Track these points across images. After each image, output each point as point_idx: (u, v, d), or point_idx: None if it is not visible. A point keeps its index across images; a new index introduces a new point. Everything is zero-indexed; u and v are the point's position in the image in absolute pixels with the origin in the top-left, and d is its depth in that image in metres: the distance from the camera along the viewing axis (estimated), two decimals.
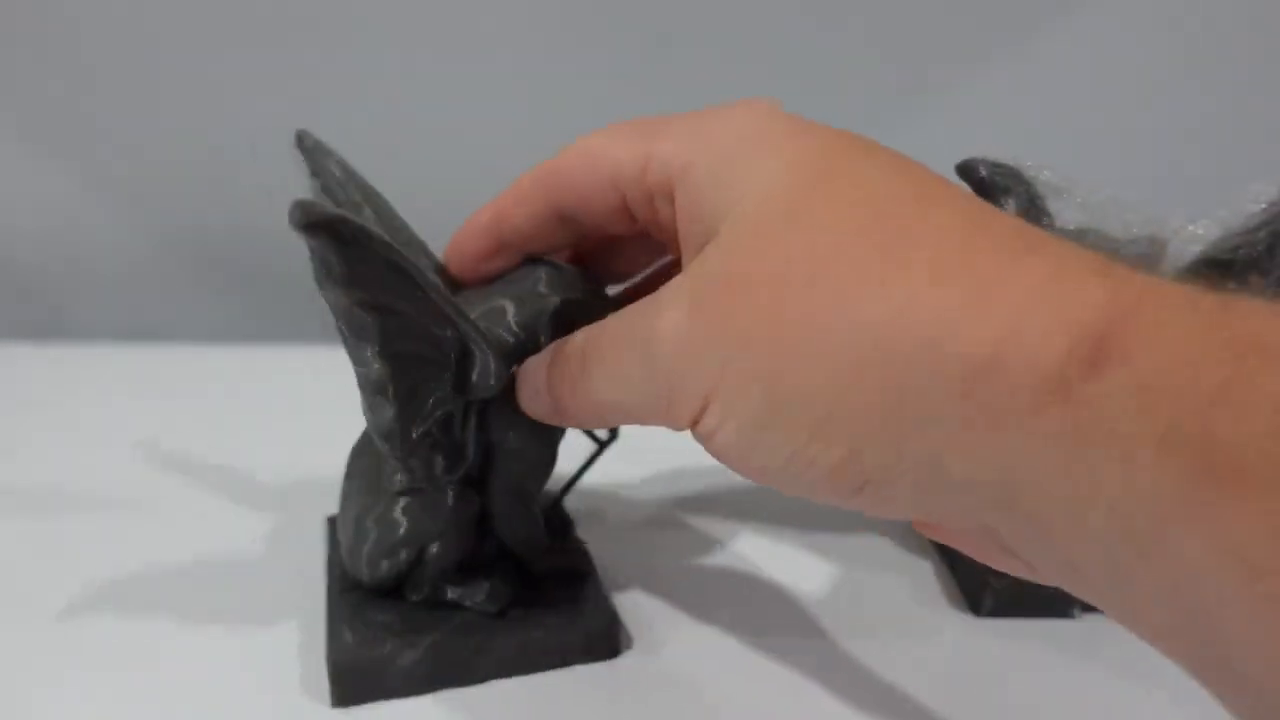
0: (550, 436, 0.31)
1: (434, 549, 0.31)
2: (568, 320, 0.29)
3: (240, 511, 0.41)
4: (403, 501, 0.31)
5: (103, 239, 0.65)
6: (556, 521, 0.36)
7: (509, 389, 0.30)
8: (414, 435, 0.29)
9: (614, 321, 0.26)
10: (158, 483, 0.44)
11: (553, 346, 0.28)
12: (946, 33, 0.61)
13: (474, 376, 0.29)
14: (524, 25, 0.60)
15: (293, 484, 0.43)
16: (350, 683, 0.30)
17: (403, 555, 0.31)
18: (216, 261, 0.63)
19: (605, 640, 0.32)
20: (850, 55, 0.61)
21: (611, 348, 0.25)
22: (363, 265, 0.25)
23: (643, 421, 0.25)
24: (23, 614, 0.34)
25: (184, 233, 0.63)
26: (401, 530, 0.31)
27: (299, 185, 0.30)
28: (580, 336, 0.27)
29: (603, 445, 0.35)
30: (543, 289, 0.30)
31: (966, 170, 0.34)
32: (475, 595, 0.32)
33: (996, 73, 0.62)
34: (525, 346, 0.29)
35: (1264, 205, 0.33)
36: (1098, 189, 0.33)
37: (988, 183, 0.34)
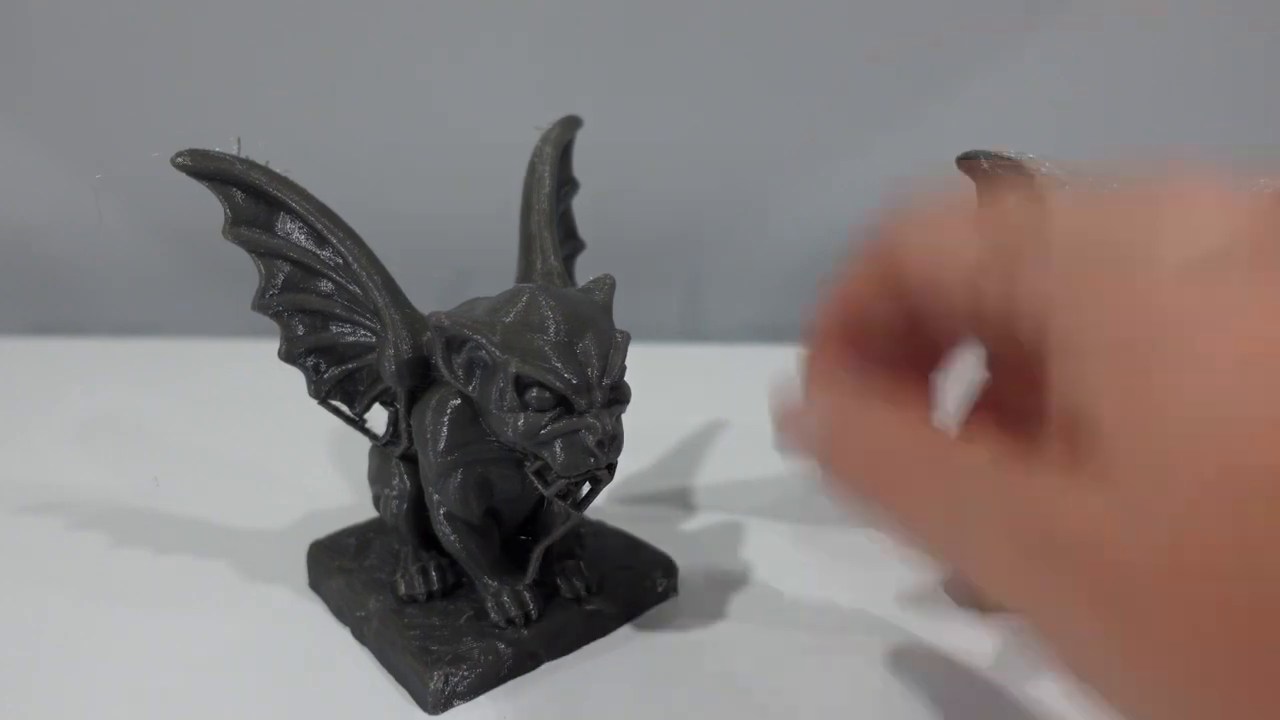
0: (449, 481, 0.30)
1: (383, 505, 0.34)
2: (445, 340, 0.28)
3: (245, 500, 0.42)
4: (371, 446, 0.34)
5: (112, 235, 0.65)
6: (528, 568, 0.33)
7: (422, 393, 0.30)
8: (322, 389, 0.32)
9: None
10: (164, 473, 0.44)
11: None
12: (951, 26, 0.60)
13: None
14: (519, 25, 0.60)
15: (297, 475, 0.44)
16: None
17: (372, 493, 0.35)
18: (224, 257, 0.63)
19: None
20: (855, 46, 0.61)
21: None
22: (257, 213, 0.30)
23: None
24: (25, 605, 0.35)
25: (192, 228, 0.63)
26: (367, 470, 0.35)
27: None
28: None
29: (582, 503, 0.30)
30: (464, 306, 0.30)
31: (968, 162, 0.34)
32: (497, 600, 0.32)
33: (1001, 66, 0.61)
34: (420, 346, 0.30)
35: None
36: (1102, 182, 0.32)
37: (989, 175, 0.33)
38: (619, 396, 0.28)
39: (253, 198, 0.30)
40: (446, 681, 0.29)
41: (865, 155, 0.63)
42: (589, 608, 0.33)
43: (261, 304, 0.31)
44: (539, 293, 0.28)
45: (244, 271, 0.32)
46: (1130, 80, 0.61)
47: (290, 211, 0.30)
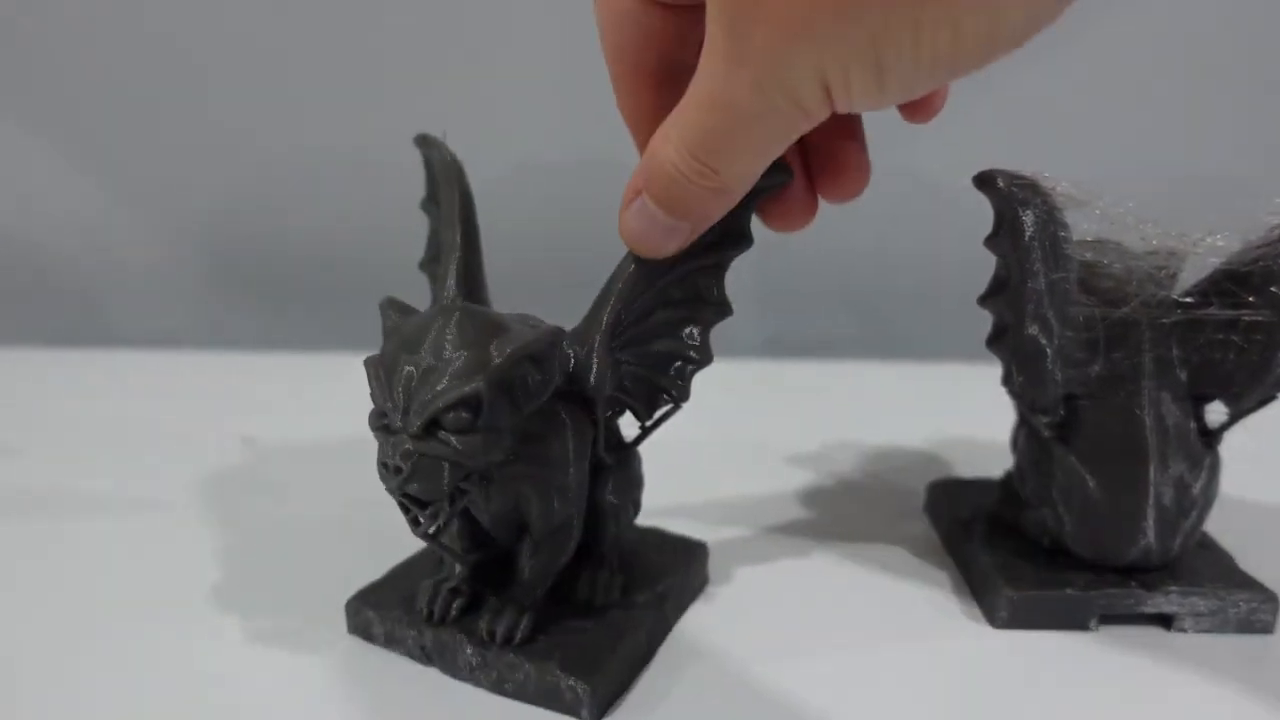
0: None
1: None
2: None
3: (257, 511, 0.42)
4: None
5: (135, 248, 0.66)
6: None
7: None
8: None
9: (690, 115, 0.26)
10: (182, 483, 0.45)
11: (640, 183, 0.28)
12: None
13: None
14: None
15: (311, 483, 0.45)
16: None
17: None
18: (244, 271, 0.64)
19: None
20: None
21: (723, 123, 0.25)
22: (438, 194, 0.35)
23: (786, 140, 0.26)
24: (33, 609, 0.35)
25: (214, 243, 0.64)
26: None
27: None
28: (673, 149, 0.27)
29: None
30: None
31: (985, 181, 0.34)
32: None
33: (1018, 83, 0.62)
34: None
35: None
36: (1117, 201, 0.33)
37: (1005, 194, 0.34)
38: (439, 433, 0.26)
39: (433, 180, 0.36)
40: (357, 612, 0.33)
41: (883, 178, 0.63)
42: (490, 653, 0.31)
43: (421, 264, 0.37)
44: (453, 312, 0.27)
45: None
46: (1150, 94, 0.61)
47: (442, 194, 0.35)
